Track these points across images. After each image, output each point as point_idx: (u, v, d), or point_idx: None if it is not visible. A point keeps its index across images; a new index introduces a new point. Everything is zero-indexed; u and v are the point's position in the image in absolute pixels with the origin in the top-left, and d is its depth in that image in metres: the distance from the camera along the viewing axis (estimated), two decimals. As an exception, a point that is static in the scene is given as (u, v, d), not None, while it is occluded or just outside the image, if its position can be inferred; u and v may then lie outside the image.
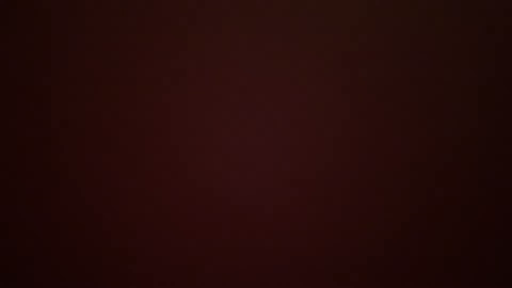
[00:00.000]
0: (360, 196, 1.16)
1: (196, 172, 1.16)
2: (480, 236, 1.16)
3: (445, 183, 1.16)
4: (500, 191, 1.16)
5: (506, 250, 1.16)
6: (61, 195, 1.16)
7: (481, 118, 1.16)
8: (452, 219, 1.16)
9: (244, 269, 1.16)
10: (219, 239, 1.16)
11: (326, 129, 1.16)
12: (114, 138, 1.16)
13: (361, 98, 1.16)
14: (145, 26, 1.17)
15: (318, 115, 1.16)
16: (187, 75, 1.17)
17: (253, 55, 1.16)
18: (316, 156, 1.16)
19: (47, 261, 1.16)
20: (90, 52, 1.17)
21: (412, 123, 1.16)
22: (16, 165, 1.17)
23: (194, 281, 1.16)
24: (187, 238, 1.16)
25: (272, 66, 1.16)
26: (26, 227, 1.17)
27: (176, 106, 1.16)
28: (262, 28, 1.16)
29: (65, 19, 1.17)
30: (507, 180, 1.16)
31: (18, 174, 1.17)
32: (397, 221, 1.16)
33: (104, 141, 1.16)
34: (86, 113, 1.17)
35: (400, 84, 1.16)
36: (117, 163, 1.16)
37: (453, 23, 1.16)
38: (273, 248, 1.16)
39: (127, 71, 1.17)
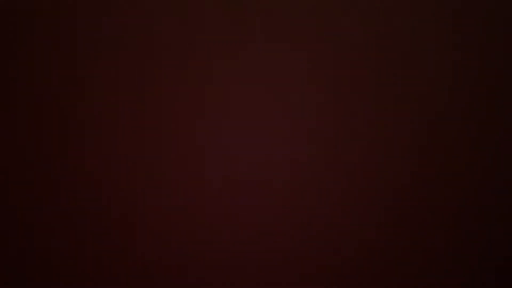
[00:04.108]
0: (353, 196, 1.16)
1: (195, 172, 1.16)
2: (465, 237, 1.16)
3: (429, 184, 1.16)
4: (489, 191, 1.16)
5: (490, 251, 1.16)
6: (62, 194, 1.17)
7: (465, 118, 1.16)
8: (433, 220, 1.16)
9: (237, 268, 1.16)
10: (218, 239, 1.16)
11: (321, 128, 1.16)
12: (114, 138, 1.17)
13: (356, 99, 1.16)
14: (144, 26, 1.17)
15: (312, 115, 1.16)
16: (186, 75, 1.17)
17: (250, 56, 1.16)
18: (310, 157, 1.16)
19: (46, 260, 1.17)
20: (91, 51, 1.17)
21: (397, 124, 1.16)
22: (16, 165, 1.17)
23: (193, 281, 1.16)
24: (187, 238, 1.16)
25: (271, 66, 1.16)
26: (26, 227, 1.17)
27: (175, 105, 1.17)
28: (262, 29, 1.16)
29: (68, 19, 1.17)
30: (496, 179, 1.16)
31: (18, 174, 1.17)
32: (379, 222, 1.16)
33: (104, 141, 1.16)
34: (87, 113, 1.17)
35: (395, 85, 1.16)
36: (117, 163, 1.16)
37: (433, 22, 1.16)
38: (270, 248, 1.16)
39: (127, 71, 1.17)
